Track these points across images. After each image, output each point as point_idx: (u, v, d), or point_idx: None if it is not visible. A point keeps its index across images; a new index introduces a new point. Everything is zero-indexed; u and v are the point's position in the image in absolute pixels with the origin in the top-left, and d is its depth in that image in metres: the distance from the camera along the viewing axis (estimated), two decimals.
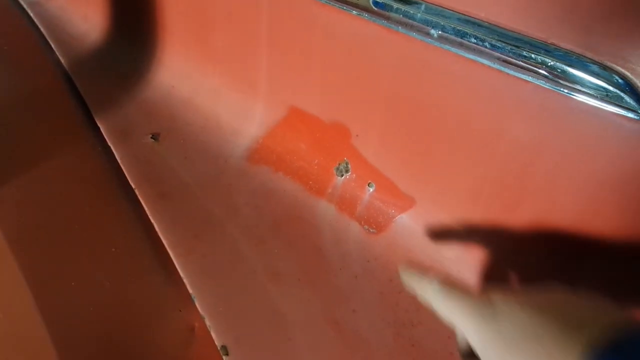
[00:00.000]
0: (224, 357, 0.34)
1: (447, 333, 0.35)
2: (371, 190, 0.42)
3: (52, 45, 0.60)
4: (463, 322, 0.27)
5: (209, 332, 0.35)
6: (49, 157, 0.45)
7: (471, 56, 0.30)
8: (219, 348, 0.34)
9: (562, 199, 0.31)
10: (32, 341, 0.32)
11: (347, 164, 0.43)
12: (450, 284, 0.28)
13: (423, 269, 0.31)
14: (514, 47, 0.29)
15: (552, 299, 0.26)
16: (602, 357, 0.22)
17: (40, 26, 0.63)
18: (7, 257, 0.35)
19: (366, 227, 0.42)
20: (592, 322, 0.24)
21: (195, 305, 0.36)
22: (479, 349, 0.26)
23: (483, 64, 0.30)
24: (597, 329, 0.23)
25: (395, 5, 0.33)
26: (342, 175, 0.44)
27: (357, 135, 0.42)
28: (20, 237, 0.37)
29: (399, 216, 0.41)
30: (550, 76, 0.28)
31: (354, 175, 0.43)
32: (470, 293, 0.27)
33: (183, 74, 0.53)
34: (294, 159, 0.46)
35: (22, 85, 0.54)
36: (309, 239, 0.41)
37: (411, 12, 0.32)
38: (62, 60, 0.58)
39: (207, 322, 0.35)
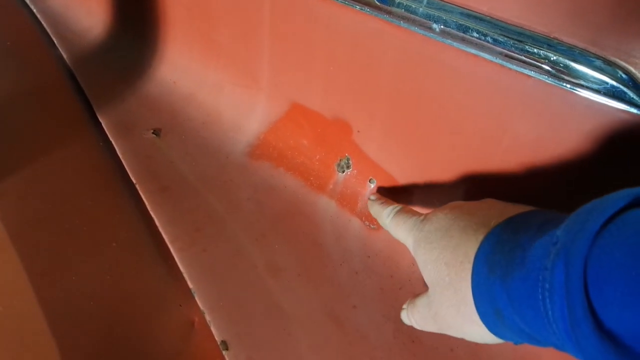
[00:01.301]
0: (223, 352, 0.34)
1: None
2: (372, 186, 0.42)
3: (55, 41, 0.60)
4: (405, 237, 0.32)
5: (208, 327, 0.35)
6: (50, 152, 0.45)
7: (473, 51, 0.30)
8: (218, 343, 0.34)
9: (563, 194, 0.31)
10: (33, 334, 0.32)
11: (348, 160, 0.43)
12: (403, 212, 0.34)
13: (385, 201, 0.37)
14: (516, 42, 0.28)
15: (476, 205, 0.29)
16: (493, 232, 0.25)
17: (42, 22, 0.63)
18: (8, 249, 0.35)
19: (367, 223, 0.42)
20: (498, 214, 0.27)
21: (195, 300, 0.36)
22: (413, 252, 0.31)
23: (485, 59, 0.30)
24: (498, 218, 0.26)
25: None
26: (343, 172, 0.44)
27: (358, 131, 0.42)
28: (22, 231, 0.37)
29: None
30: (553, 71, 0.28)
31: (355, 171, 0.43)
32: (415, 215, 0.33)
33: (185, 69, 0.53)
34: (295, 154, 0.46)
35: (24, 80, 0.54)
36: (310, 235, 0.41)
37: (413, 6, 0.32)
38: (65, 56, 0.58)
39: (207, 317, 0.35)
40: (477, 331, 0.26)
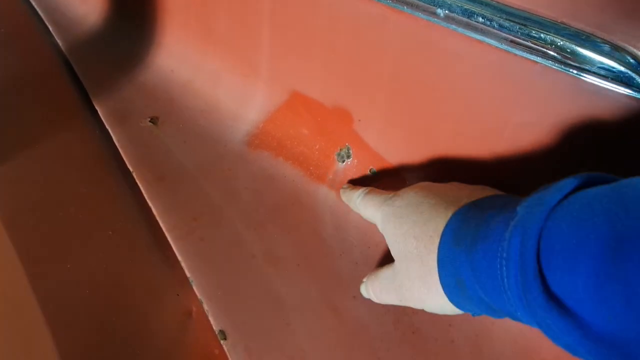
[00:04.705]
0: (221, 341, 0.34)
1: (448, 320, 0.35)
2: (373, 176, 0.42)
3: (50, 28, 0.59)
4: (374, 213, 0.34)
5: (206, 316, 0.35)
6: (46, 140, 0.44)
7: (478, 36, 0.30)
8: (216, 332, 0.34)
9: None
10: (26, 321, 0.31)
11: (348, 149, 0.43)
12: (372, 192, 0.35)
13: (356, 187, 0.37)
14: (522, 27, 0.28)
15: (445, 187, 0.31)
16: (461, 209, 0.27)
17: (37, 9, 0.62)
18: (2, 237, 0.35)
19: None
20: (467, 195, 0.28)
21: (192, 289, 0.36)
22: (381, 228, 0.32)
23: (490, 45, 0.30)
24: (467, 198, 0.28)
25: None
26: (343, 161, 0.43)
27: (359, 120, 0.41)
28: (16, 218, 0.37)
29: None
30: (560, 57, 0.27)
31: (356, 161, 0.43)
32: (384, 194, 0.34)
33: (183, 57, 0.53)
34: (295, 144, 0.45)
35: (19, 67, 0.53)
36: (309, 225, 0.41)
37: None
38: (60, 43, 0.57)
39: (205, 306, 0.35)
40: (438, 302, 0.27)
